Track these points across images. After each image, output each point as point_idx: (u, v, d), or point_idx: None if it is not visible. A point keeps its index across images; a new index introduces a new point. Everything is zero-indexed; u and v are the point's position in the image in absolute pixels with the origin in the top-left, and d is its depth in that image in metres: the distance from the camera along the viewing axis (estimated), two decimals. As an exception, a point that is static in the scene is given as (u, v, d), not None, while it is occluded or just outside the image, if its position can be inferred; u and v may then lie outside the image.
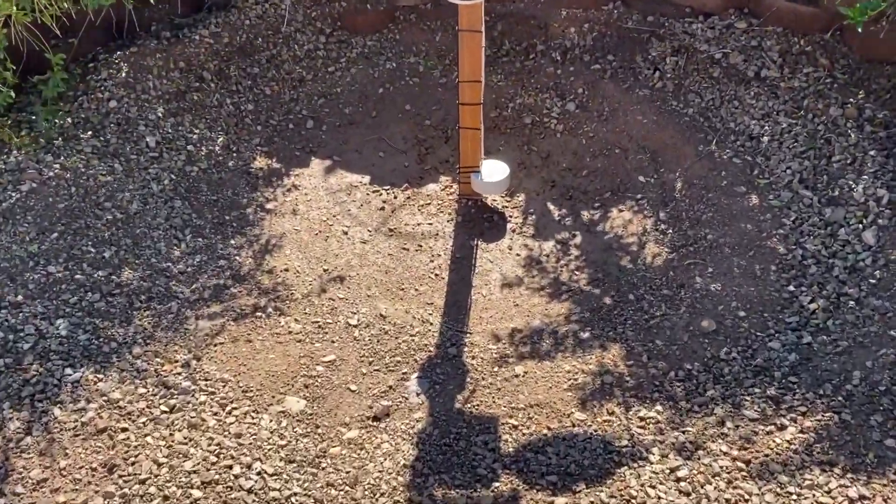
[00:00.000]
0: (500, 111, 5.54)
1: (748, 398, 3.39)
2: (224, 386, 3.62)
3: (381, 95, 5.74)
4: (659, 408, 3.46)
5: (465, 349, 3.92)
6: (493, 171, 4.81)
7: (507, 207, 4.96)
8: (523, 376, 3.72)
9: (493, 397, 3.62)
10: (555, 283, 4.39)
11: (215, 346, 3.84)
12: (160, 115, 5.05)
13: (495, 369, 3.78)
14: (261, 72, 5.68)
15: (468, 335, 4.04)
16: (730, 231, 4.33)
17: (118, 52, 5.24)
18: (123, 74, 5.10)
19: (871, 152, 4.33)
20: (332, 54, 5.94)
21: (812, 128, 4.62)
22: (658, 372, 3.64)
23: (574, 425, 3.43)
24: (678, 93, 5.28)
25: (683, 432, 3.29)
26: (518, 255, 4.62)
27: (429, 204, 4.98)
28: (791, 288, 3.93)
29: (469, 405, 3.58)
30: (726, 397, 3.43)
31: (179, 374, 3.63)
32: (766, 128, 4.81)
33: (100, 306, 3.87)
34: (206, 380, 3.64)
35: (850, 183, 4.26)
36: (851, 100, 4.62)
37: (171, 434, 3.31)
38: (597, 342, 3.87)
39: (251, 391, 3.62)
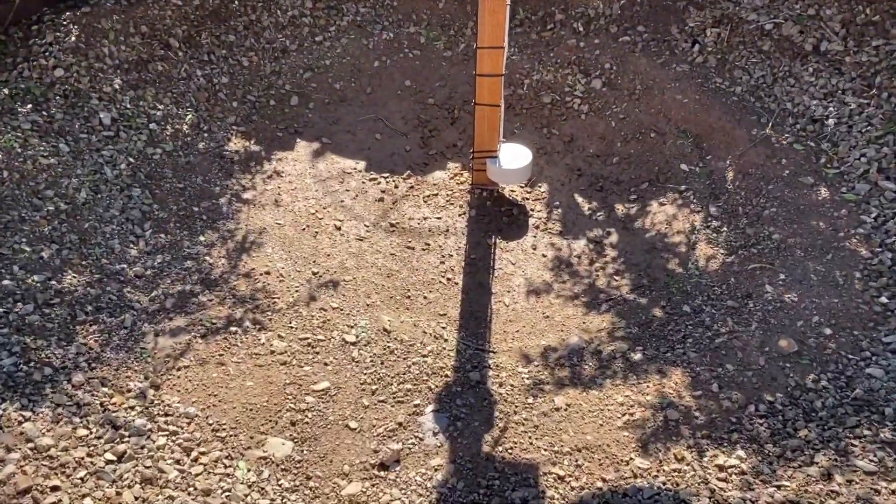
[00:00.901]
0: (514, 89, 4.80)
1: (856, 442, 2.69)
2: (189, 423, 2.85)
3: (376, 69, 4.97)
4: (741, 452, 2.75)
5: (490, 373, 3.19)
6: (514, 156, 4.07)
7: (527, 199, 4.23)
8: (566, 410, 2.99)
9: (530, 437, 2.89)
10: (591, 289, 3.67)
11: (179, 370, 3.07)
12: (117, 87, 4.25)
13: (529, 400, 3.05)
14: (237, 40, 4.89)
15: (492, 355, 3.30)
16: (799, 229, 3.64)
17: (68, 13, 4.41)
18: (73, 38, 4.28)
19: (967, 137, 3.67)
20: (319, 22, 5.16)
21: (889, 109, 3.94)
22: (733, 405, 2.94)
23: (635, 475, 2.72)
24: (722, 68, 4.57)
25: (779, 487, 2.59)
26: (544, 255, 3.89)
27: (436, 194, 4.23)
28: (883, 300, 3.24)
29: (500, 448, 2.85)
30: (826, 440, 2.73)
31: (132, 408, 2.86)
32: (831, 109, 4.11)
33: (33, 320, 3.07)
34: (167, 415, 2.87)
35: (944, 173, 3.59)
36: (935, 76, 3.94)
37: (117, 493, 2.53)
38: (653, 366, 3.15)
39: (224, 430, 2.85)
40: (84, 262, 3.44)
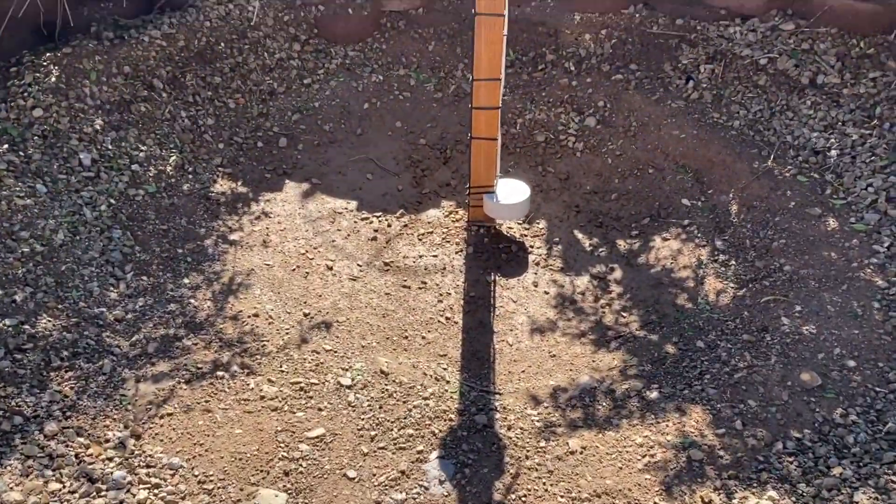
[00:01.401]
0: (507, 128, 4.71)
1: (897, 479, 2.51)
2: (173, 475, 2.61)
3: (366, 111, 4.87)
4: (773, 493, 2.55)
5: (497, 416, 2.98)
6: (511, 191, 3.94)
7: (526, 236, 4.08)
8: (581, 453, 2.78)
9: (545, 483, 2.67)
10: (598, 326, 3.50)
11: (161, 418, 2.84)
12: (98, 127, 4.09)
13: (542, 444, 2.84)
14: (223, 82, 4.78)
15: (497, 396, 3.10)
16: (811, 260, 3.51)
17: (48, 54, 4.28)
18: (53, 79, 4.14)
19: (975, 164, 3.59)
20: (307, 64, 5.07)
21: (892, 138, 3.87)
22: (759, 443, 2.75)
23: (661, 522, 2.50)
24: (718, 104, 4.52)
25: (819, 531, 2.39)
26: (546, 292, 3.72)
27: (431, 232, 4.08)
28: (906, 330, 3.10)
29: (513, 496, 2.63)
30: (864, 477, 2.54)
31: (110, 459, 2.62)
32: (833, 140, 4.05)
33: (3, 366, 2.84)
34: (149, 466, 2.63)
35: (955, 200, 3.50)
36: (936, 105, 3.90)
37: (92, 554, 2.29)
38: (670, 404, 2.96)
39: (211, 482, 2.61)
40: (60, 306, 3.22)
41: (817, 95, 4.27)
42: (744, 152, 4.18)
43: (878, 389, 2.89)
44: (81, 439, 2.66)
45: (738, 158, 4.16)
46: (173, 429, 2.80)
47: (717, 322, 3.39)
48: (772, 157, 4.10)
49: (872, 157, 3.86)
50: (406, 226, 4.13)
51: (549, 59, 5.01)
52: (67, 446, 2.62)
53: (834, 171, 3.93)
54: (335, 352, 3.29)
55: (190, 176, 4.24)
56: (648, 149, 4.43)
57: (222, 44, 4.84)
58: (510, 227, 4.11)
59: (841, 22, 4.40)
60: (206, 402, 2.94)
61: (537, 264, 3.89)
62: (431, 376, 3.19)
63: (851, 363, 3.00)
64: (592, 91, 4.76)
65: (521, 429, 2.92)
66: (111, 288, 3.43)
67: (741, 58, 4.56)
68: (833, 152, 4.00)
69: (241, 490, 2.60)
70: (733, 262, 3.70)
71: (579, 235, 4.07)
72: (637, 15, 4.95)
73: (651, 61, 4.82)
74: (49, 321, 3.12)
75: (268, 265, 3.77)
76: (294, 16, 5.15)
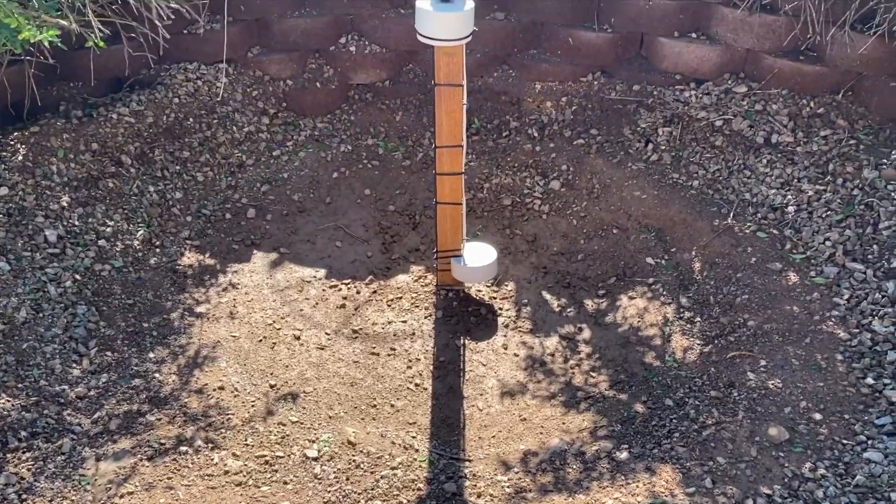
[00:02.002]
0: (474, 193, 4.78)
1: (868, 533, 2.49)
2: (131, 557, 2.53)
3: (335, 180, 4.93)
4: (745, 553, 2.52)
5: (467, 483, 2.94)
6: (479, 254, 3.97)
7: (495, 299, 4.10)
8: (552, 517, 2.74)
9: (515, 551, 2.63)
10: (567, 388, 3.49)
11: (122, 497, 2.77)
12: (65, 204, 4.10)
13: (511, 509, 2.80)
14: (192, 156, 4.82)
15: (467, 464, 3.06)
16: (774, 315, 3.55)
17: (15, 134, 4.31)
18: (20, 157, 4.16)
19: (926, 215, 3.69)
20: (276, 137, 5.15)
21: (846, 193, 3.98)
22: (729, 501, 2.72)
23: (634, 587, 2.45)
24: (678, 164, 4.63)
25: (792, 589, 2.35)
26: (516, 354, 3.72)
27: (400, 298, 4.08)
28: (869, 381, 3.13)
29: (483, 565, 2.57)
30: (835, 533, 2.52)
31: (66, 543, 2.54)
32: (789, 197, 4.15)
33: (-43, 449, 2.77)
34: (106, 549, 2.55)
35: (909, 251, 3.58)
36: (885, 161, 4.01)
37: None
38: (640, 464, 2.94)
39: (171, 563, 2.54)
40: (20, 385, 3.16)
41: (772, 154, 4.39)
42: (704, 211, 4.27)
43: (845, 442, 2.90)
44: (37, 523, 2.59)
45: (699, 217, 4.25)
46: (133, 508, 2.73)
47: (684, 379, 3.40)
48: (731, 214, 4.19)
49: (828, 212, 3.95)
50: (375, 292, 4.13)
51: (512, 126, 5.13)
52: (22, 531, 2.54)
53: (792, 227, 4.02)
54: (301, 423, 3.24)
55: (157, 249, 4.24)
56: (612, 210, 4.51)
57: (191, 119, 4.91)
58: (479, 290, 4.13)
59: (790, 83, 4.56)
60: (169, 478, 2.87)
61: (506, 326, 3.90)
62: (400, 445, 3.15)
63: (818, 416, 3.01)
64: (556, 155, 4.86)
65: (491, 495, 2.87)
66: (74, 365, 3.39)
67: (697, 120, 4.69)
68: (790, 208, 4.09)
69: (203, 570, 2.52)
70: (698, 319, 3.74)
71: (547, 296, 4.09)
72: (595, 82, 5.11)
73: (611, 126, 4.95)
74: (8, 401, 3.06)
75: (234, 337, 3.75)
76: (263, 90, 5.25)
